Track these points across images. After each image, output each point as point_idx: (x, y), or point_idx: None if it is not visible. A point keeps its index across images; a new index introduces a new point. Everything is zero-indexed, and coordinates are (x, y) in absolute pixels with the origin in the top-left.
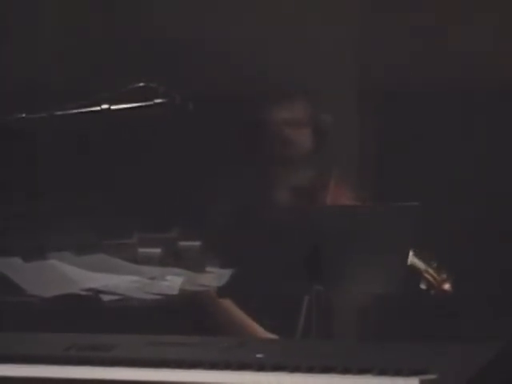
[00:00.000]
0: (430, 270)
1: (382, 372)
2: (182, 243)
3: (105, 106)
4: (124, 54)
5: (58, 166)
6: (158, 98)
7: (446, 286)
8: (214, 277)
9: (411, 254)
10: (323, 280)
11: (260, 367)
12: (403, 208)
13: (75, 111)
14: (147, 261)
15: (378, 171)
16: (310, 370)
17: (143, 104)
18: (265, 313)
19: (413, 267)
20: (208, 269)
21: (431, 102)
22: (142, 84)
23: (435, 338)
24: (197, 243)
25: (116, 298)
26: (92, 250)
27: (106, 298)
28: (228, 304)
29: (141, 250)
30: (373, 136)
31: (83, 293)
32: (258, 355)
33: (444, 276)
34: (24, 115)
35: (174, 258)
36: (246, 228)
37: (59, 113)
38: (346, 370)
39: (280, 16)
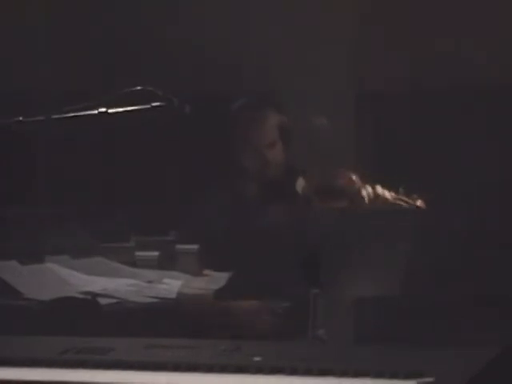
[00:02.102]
0: (400, 196)
1: (379, 375)
2: (180, 246)
3: (102, 110)
4: (122, 58)
5: (55, 170)
6: (155, 101)
7: (419, 203)
8: (211, 280)
9: (378, 187)
10: (321, 282)
11: (257, 370)
12: (401, 211)
13: (72, 114)
14: (145, 264)
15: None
16: (308, 372)
17: (141, 107)
18: (262, 315)
19: (383, 200)
20: (205, 272)
21: (429, 104)
22: (139, 87)
23: (432, 341)
24: (194, 246)
25: (114, 301)
26: (90, 254)
27: (103, 301)
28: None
29: (138, 253)
30: (370, 138)
31: (81, 296)
32: (256, 358)
33: (415, 196)
34: (21, 118)
35: (171, 262)
36: (243, 231)
37: (56, 116)
38: (343, 373)
39: (279, 19)
